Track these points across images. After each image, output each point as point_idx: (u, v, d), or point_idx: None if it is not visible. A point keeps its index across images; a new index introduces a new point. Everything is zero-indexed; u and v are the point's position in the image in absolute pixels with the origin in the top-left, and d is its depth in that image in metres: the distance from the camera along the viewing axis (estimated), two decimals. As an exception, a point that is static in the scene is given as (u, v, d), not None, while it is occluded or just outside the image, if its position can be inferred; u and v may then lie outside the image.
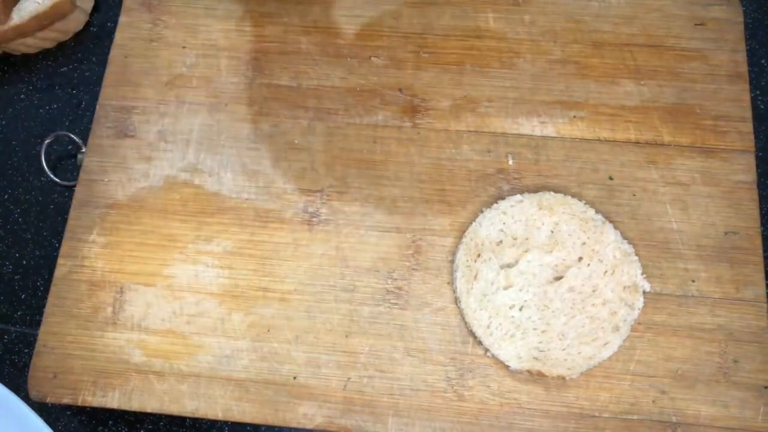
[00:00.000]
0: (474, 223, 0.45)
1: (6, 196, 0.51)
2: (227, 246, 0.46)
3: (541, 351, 0.42)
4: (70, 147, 0.52)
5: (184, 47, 0.51)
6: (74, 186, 0.48)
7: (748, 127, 0.47)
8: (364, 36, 0.51)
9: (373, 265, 0.45)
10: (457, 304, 0.44)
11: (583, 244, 0.44)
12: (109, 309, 0.45)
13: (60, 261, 0.46)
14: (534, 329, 0.42)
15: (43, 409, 0.44)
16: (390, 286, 0.45)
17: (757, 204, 0.45)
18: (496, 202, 0.46)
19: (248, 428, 0.45)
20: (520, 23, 0.51)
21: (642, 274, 0.43)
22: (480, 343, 0.43)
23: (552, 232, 0.44)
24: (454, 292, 0.44)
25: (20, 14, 0.52)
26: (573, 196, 0.45)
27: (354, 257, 0.45)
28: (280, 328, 0.44)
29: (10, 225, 0.51)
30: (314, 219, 0.46)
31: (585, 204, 0.45)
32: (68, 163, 0.52)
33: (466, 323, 0.43)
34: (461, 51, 0.50)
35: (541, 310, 0.42)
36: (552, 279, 0.43)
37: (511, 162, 0.47)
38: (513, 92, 0.49)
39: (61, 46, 0.55)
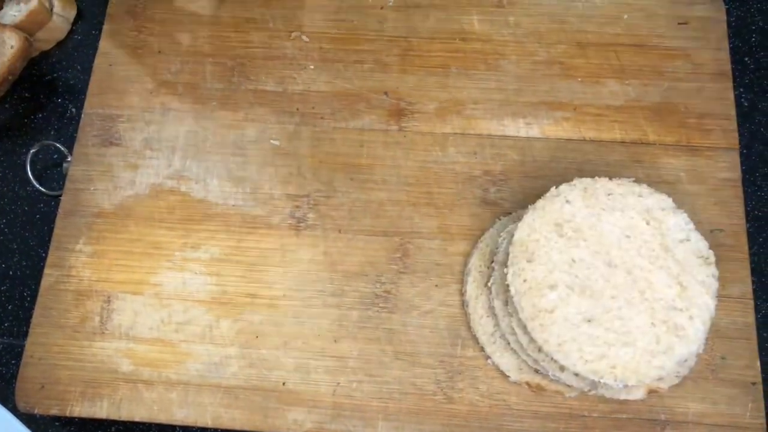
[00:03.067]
0: (491, 229, 0.45)
1: (-8, 207, 0.51)
2: (214, 253, 0.46)
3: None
4: (55, 156, 0.51)
5: (168, 54, 0.51)
6: (60, 195, 0.48)
7: (733, 124, 0.48)
8: (348, 40, 0.51)
9: (361, 269, 0.45)
10: (464, 308, 0.44)
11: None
12: (97, 318, 0.45)
13: (47, 271, 0.46)
14: None
15: (31, 420, 0.44)
16: (378, 290, 0.45)
17: (742, 201, 0.46)
18: (516, 211, 0.44)
19: (239, 435, 0.45)
20: (504, 25, 0.51)
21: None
22: (482, 349, 0.43)
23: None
24: (463, 295, 0.44)
25: None
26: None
27: (342, 261, 0.45)
28: (269, 334, 0.44)
29: (-4, 235, 0.50)
30: (301, 224, 0.46)
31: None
32: (54, 172, 0.51)
33: (470, 328, 0.43)
34: (446, 54, 0.50)
35: None
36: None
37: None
38: (498, 94, 0.49)
39: (45, 54, 0.55)
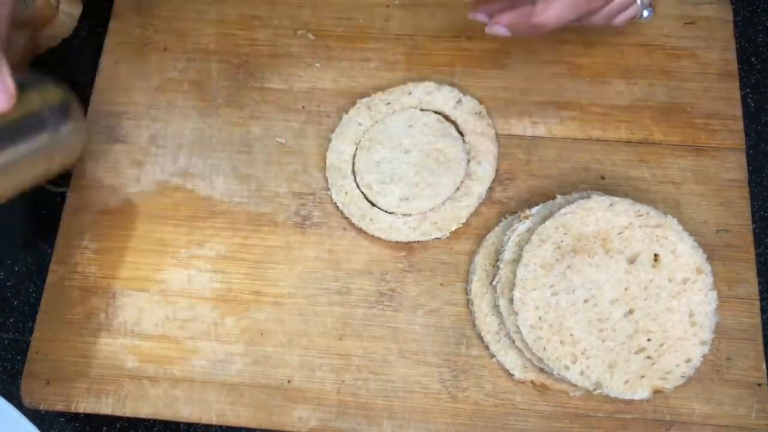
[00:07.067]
0: (497, 228, 0.45)
1: (-3, 203, 0.51)
2: (220, 250, 0.46)
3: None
4: (61, 152, 0.51)
5: (174, 51, 0.51)
6: (66, 192, 0.48)
7: (739, 125, 0.47)
8: (354, 38, 0.51)
9: (366, 267, 0.45)
10: (469, 307, 0.44)
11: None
12: (102, 315, 0.45)
13: (52, 267, 0.46)
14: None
15: (36, 416, 0.44)
16: (383, 288, 0.45)
17: (748, 202, 0.46)
18: (523, 210, 0.44)
19: (243, 432, 0.45)
20: None
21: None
22: (487, 348, 0.43)
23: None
24: (468, 294, 0.44)
25: (6, 21, 0.52)
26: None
27: (347, 260, 0.45)
28: (274, 331, 0.44)
29: (1, 231, 0.50)
30: (307, 222, 0.46)
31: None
32: (60, 168, 0.51)
33: (475, 327, 0.43)
34: (452, 52, 0.50)
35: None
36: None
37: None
38: (504, 93, 0.49)
39: (50, 52, 0.55)
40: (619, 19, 0.44)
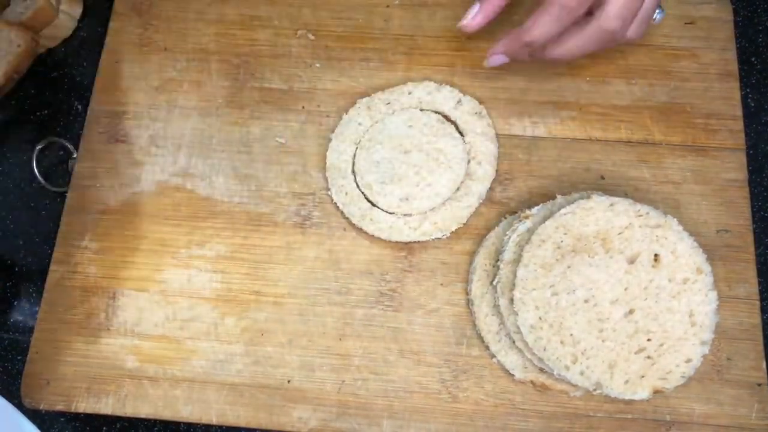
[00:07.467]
0: (497, 228, 0.45)
1: (-3, 203, 0.51)
2: (220, 250, 0.46)
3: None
4: (61, 153, 0.52)
5: (174, 51, 0.51)
6: (66, 192, 0.48)
7: (739, 125, 0.47)
8: (354, 38, 0.51)
9: (366, 267, 0.45)
10: (469, 307, 0.44)
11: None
12: (102, 315, 0.45)
13: (52, 267, 0.46)
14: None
15: (36, 416, 0.44)
16: (383, 289, 0.45)
17: (749, 202, 0.46)
18: (523, 210, 0.44)
19: (243, 432, 0.45)
20: (509, 23, 0.51)
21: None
22: (487, 348, 0.43)
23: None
24: (468, 294, 0.44)
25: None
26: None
27: (347, 260, 0.45)
28: (274, 331, 0.44)
29: (1, 232, 0.50)
30: (307, 222, 0.46)
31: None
32: (60, 168, 0.51)
33: (475, 327, 0.43)
34: (452, 52, 0.50)
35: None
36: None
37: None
38: (504, 93, 0.49)
39: (51, 52, 0.55)
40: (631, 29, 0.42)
